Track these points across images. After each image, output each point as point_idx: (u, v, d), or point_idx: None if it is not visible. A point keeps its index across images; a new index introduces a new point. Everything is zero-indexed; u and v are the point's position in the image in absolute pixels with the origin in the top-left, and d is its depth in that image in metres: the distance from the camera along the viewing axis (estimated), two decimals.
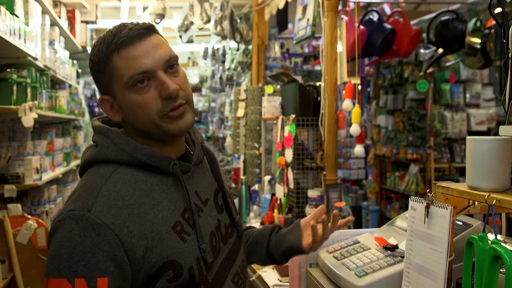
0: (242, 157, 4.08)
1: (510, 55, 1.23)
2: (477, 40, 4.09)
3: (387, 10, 5.72)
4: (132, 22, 1.14)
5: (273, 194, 3.29)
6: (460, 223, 1.55)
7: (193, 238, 1.13)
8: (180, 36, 5.81)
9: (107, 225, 1.03)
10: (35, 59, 3.54)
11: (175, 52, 1.16)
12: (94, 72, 1.15)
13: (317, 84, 3.07)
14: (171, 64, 1.13)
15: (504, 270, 0.98)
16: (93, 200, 1.05)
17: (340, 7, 2.90)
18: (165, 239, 1.09)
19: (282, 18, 5.22)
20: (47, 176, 3.76)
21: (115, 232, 1.03)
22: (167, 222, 1.10)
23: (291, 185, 2.95)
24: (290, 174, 2.95)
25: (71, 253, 1.01)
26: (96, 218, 1.03)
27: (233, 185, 4.07)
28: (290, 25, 5.41)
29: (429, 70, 4.91)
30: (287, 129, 2.98)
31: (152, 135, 1.15)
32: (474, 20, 4.17)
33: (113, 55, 1.10)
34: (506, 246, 1.04)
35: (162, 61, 1.12)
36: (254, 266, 2.48)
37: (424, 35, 4.27)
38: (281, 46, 5.04)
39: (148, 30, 1.13)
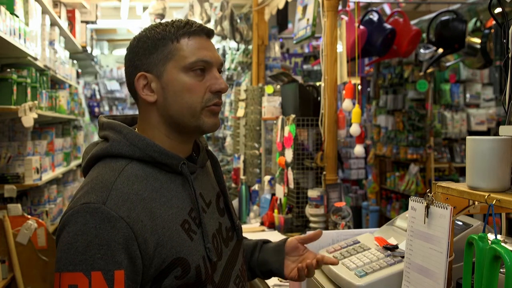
0: (242, 157, 4.08)
1: (510, 55, 1.23)
2: (477, 40, 4.09)
3: (387, 10, 5.72)
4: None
5: (273, 194, 3.29)
6: (460, 223, 1.55)
7: (199, 237, 1.14)
8: None
9: (122, 218, 1.03)
10: (35, 59, 3.54)
11: None
12: (147, 47, 1.16)
13: (317, 84, 3.07)
14: (221, 68, 1.23)
15: (504, 270, 0.98)
16: (108, 193, 1.05)
17: (340, 7, 2.90)
18: (174, 236, 1.09)
19: (282, 18, 5.21)
20: (47, 176, 3.76)
21: (130, 225, 1.03)
22: (176, 220, 1.11)
23: (291, 185, 2.95)
24: (290, 174, 2.95)
25: (87, 246, 1.00)
26: (112, 210, 1.03)
27: (233, 185, 4.07)
28: (290, 25, 5.41)
29: (429, 70, 4.91)
30: (287, 129, 2.98)
31: (182, 124, 1.17)
32: (474, 20, 4.17)
33: (182, 38, 1.16)
34: (506, 246, 1.04)
35: (219, 62, 1.21)
36: None
37: (424, 35, 4.26)
38: (281, 46, 5.03)
39: (212, 35, 1.23)
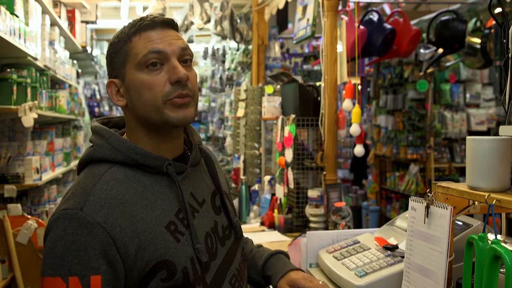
0: (242, 157, 4.08)
1: (510, 55, 1.23)
2: (477, 40, 4.09)
3: (387, 10, 5.72)
4: (159, 15, 1.20)
5: (273, 194, 3.29)
6: (460, 223, 1.55)
7: (187, 238, 1.13)
8: None
9: (99, 223, 1.04)
10: (35, 59, 3.54)
11: (191, 51, 1.19)
12: (110, 53, 1.17)
13: (317, 84, 3.07)
14: (186, 55, 1.16)
15: (504, 270, 0.98)
16: (85, 198, 1.06)
17: (340, 7, 2.90)
18: (158, 238, 1.09)
19: (282, 18, 5.22)
20: (47, 176, 3.76)
21: (107, 230, 1.04)
22: (160, 222, 1.10)
23: (291, 185, 2.95)
24: (290, 174, 2.95)
25: (64, 252, 1.02)
26: (88, 216, 1.04)
27: (233, 185, 4.07)
28: (290, 25, 5.41)
29: (429, 70, 4.91)
30: (287, 129, 2.98)
31: (152, 122, 1.15)
32: (474, 20, 4.17)
33: (134, 36, 1.14)
34: (506, 246, 1.04)
35: (178, 49, 1.14)
36: None
37: (424, 35, 4.27)
38: (281, 46, 5.04)
39: (172, 24, 1.18)
